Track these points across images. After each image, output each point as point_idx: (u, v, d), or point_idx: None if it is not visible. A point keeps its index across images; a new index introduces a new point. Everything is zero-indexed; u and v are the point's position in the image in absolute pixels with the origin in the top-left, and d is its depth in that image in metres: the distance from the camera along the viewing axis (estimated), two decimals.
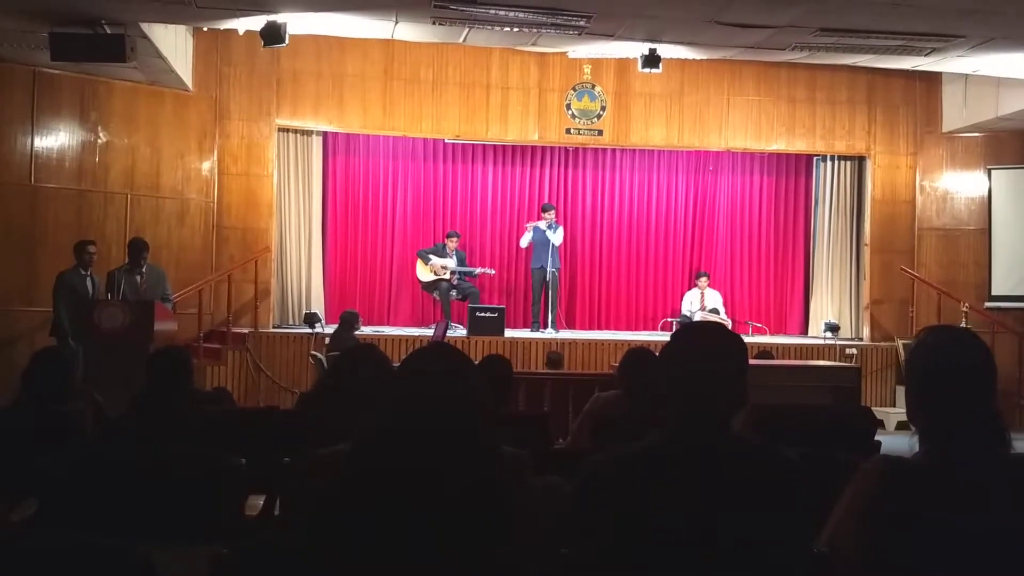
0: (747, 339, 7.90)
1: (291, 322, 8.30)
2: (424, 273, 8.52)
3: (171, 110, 7.83)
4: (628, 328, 9.18)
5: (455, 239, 8.59)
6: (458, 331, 8.12)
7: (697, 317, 8.55)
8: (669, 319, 9.07)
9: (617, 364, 3.36)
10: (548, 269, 8.29)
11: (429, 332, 7.68)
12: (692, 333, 1.60)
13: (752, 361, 1.62)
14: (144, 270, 6.39)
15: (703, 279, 8.93)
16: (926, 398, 1.41)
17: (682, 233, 9.46)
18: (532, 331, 8.41)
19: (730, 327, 8.28)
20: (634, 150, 9.27)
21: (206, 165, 8.03)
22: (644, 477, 1.44)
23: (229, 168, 8.09)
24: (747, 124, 8.73)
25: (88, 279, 6.23)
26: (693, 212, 9.49)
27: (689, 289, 9.13)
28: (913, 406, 1.44)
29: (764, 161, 9.43)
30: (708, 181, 9.49)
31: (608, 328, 9.18)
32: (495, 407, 1.50)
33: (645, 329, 9.17)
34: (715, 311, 8.71)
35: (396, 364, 1.62)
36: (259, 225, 8.13)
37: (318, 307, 8.33)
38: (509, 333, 7.92)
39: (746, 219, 9.50)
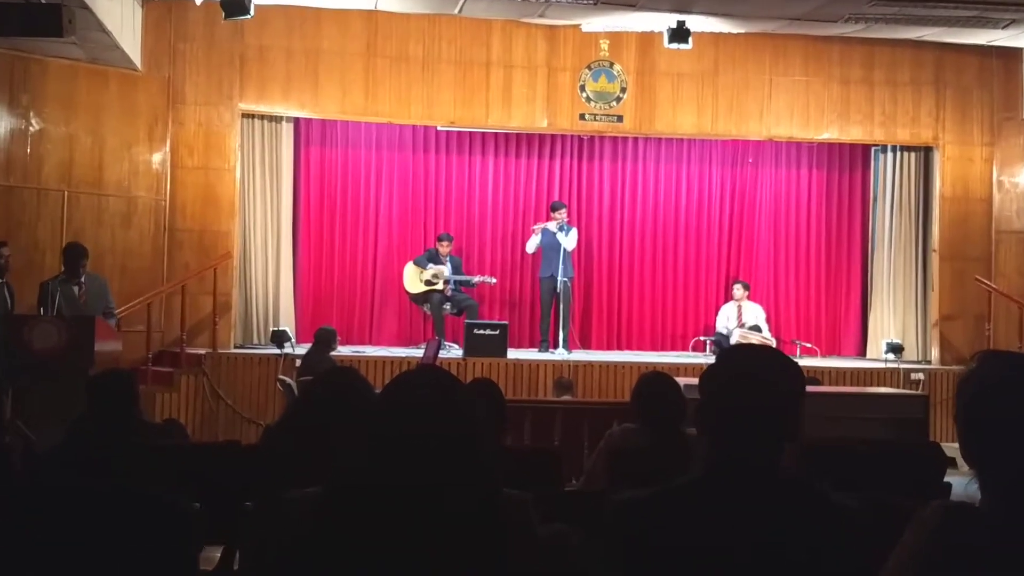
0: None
1: (256, 341, 8.32)
2: (413, 283, 8.54)
3: (116, 93, 7.87)
4: (653, 348, 9.16)
5: (448, 243, 8.61)
6: (453, 351, 8.10)
7: (735, 335, 8.53)
8: (702, 338, 9.04)
9: (633, 392, 3.43)
10: (559, 278, 8.29)
11: (418, 352, 7.68)
12: (738, 355, 1.65)
13: None
14: (83, 280, 6.38)
15: (741, 290, 8.93)
16: (977, 437, 1.38)
17: (716, 236, 9.46)
18: (540, 352, 8.40)
19: (774, 346, 8.43)
20: (660, 139, 9.26)
21: (157, 157, 8.06)
22: (678, 521, 1.47)
23: (184, 161, 8.12)
24: (793, 109, 8.74)
25: (4, 288, 6.11)
26: (730, 212, 9.49)
27: (725, 302, 9.12)
28: (964, 445, 1.42)
29: (813, 152, 9.43)
30: (747, 176, 9.49)
31: (630, 348, 9.17)
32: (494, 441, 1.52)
33: (674, 349, 9.13)
34: (756, 328, 8.69)
35: (379, 391, 1.61)
36: (219, 227, 8.14)
37: (288, 324, 8.34)
38: (513, 354, 7.90)
39: (792, 220, 9.49)
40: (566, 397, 6.72)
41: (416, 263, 8.56)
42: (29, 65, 7.41)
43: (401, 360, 7.58)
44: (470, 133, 9.12)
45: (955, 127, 8.85)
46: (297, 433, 2.49)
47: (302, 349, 7.56)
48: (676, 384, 3.41)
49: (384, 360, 7.68)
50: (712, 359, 1.71)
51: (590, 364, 7.82)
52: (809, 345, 9.10)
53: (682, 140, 9.30)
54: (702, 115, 8.66)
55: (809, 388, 1.58)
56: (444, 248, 8.57)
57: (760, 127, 8.73)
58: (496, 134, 9.15)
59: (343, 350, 7.78)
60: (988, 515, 1.35)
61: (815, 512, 1.46)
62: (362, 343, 8.77)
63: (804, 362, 8.25)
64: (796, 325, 9.39)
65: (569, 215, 8.75)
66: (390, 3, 6.53)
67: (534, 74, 8.48)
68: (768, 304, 9.26)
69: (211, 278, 7.88)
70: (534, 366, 7.72)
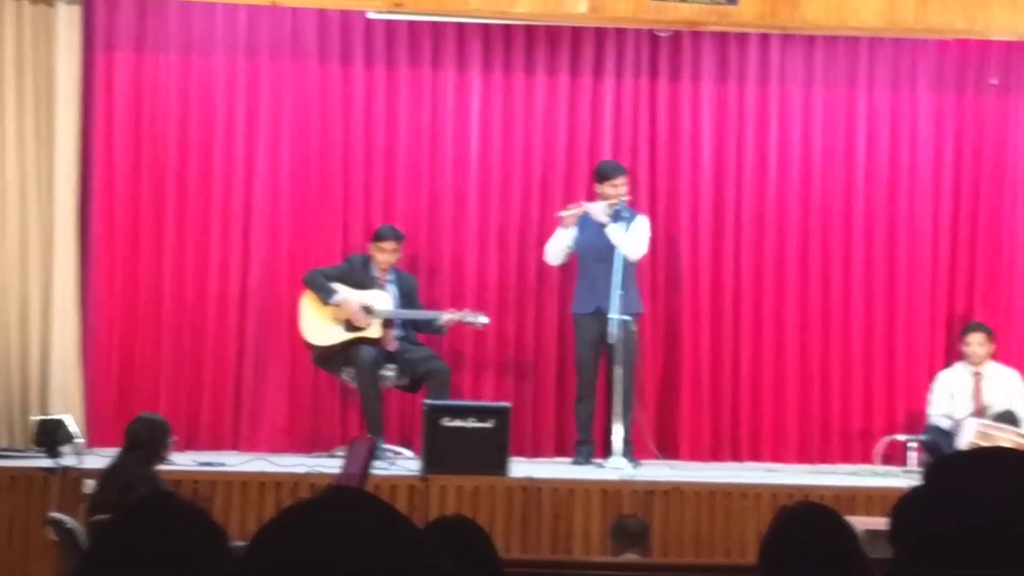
0: None
1: (4, 443, 8.28)
2: (320, 325, 8.55)
3: None
4: (803, 459, 9.22)
5: (393, 244, 8.63)
6: (401, 462, 8.07)
7: (967, 431, 8.48)
8: (901, 437, 9.05)
9: (762, 545, 3.43)
10: (613, 316, 8.26)
11: (331, 464, 7.62)
12: (973, 473, 1.73)
13: None
14: None
15: (981, 343, 8.90)
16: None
17: (929, 234, 9.52)
18: (577, 463, 8.44)
19: None
20: (811, 39, 9.33)
21: None
22: None
23: None
24: None
25: None
26: (953, 184, 9.56)
27: (946, 365, 9.14)
28: None
29: None
30: (987, 112, 9.54)
31: (756, 459, 9.23)
32: None
33: (845, 461, 9.17)
34: (1009, 417, 8.69)
35: (245, 543, 1.62)
36: None
37: (70, 408, 8.36)
38: (522, 468, 7.93)
39: None
40: (631, 555, 6.63)
41: (309, 283, 8.59)
42: None
43: (296, 481, 7.56)
44: (433, 25, 9.15)
45: None
46: None
47: (98, 459, 7.51)
48: (849, 530, 3.37)
49: (260, 481, 7.66)
50: (919, 481, 1.79)
51: (678, 490, 7.79)
52: None
53: (856, 41, 9.35)
54: None
55: None
56: (385, 256, 8.60)
57: (1011, 16, 8.78)
58: (485, 27, 9.18)
59: (181, 460, 7.77)
60: None
61: None
62: (218, 447, 8.79)
63: None
64: None
65: (633, 191, 8.75)
66: None
67: None
68: None
69: None
70: (565, 494, 7.67)
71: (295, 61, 9.19)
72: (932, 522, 1.66)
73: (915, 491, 1.72)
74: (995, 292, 9.50)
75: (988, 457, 1.89)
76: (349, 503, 1.56)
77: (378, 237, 8.65)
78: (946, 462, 1.80)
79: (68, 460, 7.61)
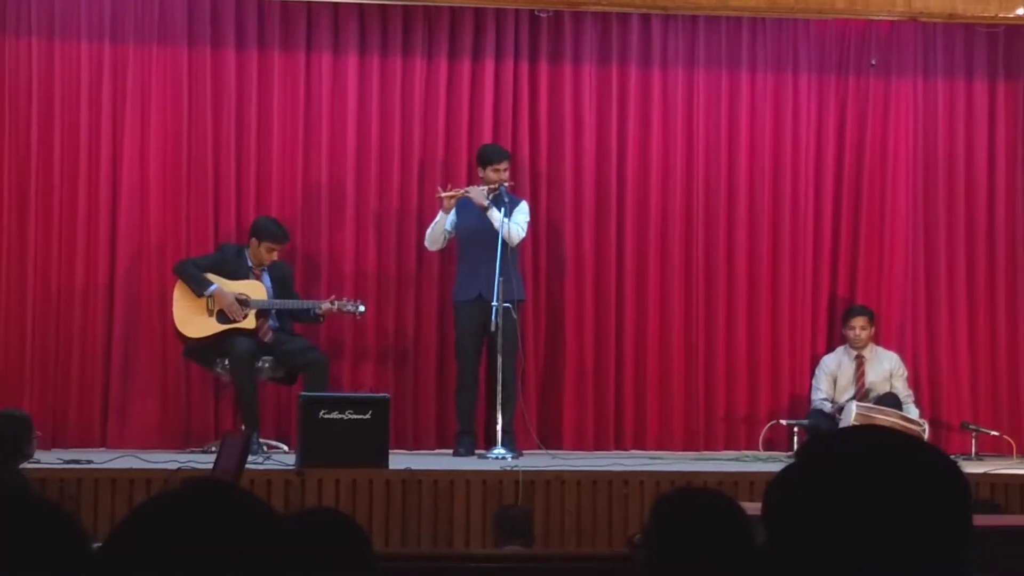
0: (966, 466, 7.83)
1: None
2: (193, 317, 8.50)
3: None
4: (688, 446, 9.32)
5: (273, 241, 8.56)
6: (277, 456, 8.07)
7: (849, 413, 8.60)
8: (784, 421, 9.14)
9: (640, 531, 3.49)
10: (495, 303, 8.28)
11: (205, 460, 7.57)
12: (848, 451, 1.74)
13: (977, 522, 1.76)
14: None
15: (863, 327, 9.03)
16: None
17: (810, 218, 9.62)
18: (458, 455, 8.49)
19: (925, 436, 8.41)
20: (694, 19, 9.38)
21: None
22: None
23: None
24: None
25: None
26: (835, 167, 9.68)
27: (828, 350, 9.26)
28: None
29: (998, 45, 9.58)
30: (868, 94, 9.65)
31: (641, 448, 9.28)
32: None
33: (728, 447, 9.29)
34: (890, 400, 8.81)
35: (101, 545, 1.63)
36: None
37: None
38: (402, 460, 7.94)
39: (959, 185, 9.65)
40: (514, 547, 6.59)
41: (181, 272, 8.51)
42: None
43: (167, 477, 7.40)
44: (307, 6, 9.13)
45: None
46: None
47: None
48: (739, 512, 3.32)
49: (130, 478, 7.52)
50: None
51: (559, 479, 7.77)
52: (996, 433, 9.14)
53: (738, 22, 9.45)
54: None
55: (985, 520, 1.63)
56: (271, 254, 8.53)
57: None
58: (361, 7, 9.17)
59: (46, 459, 7.67)
60: None
61: None
62: (86, 444, 8.72)
63: (979, 468, 8.23)
64: (970, 395, 9.52)
65: (515, 175, 8.78)
66: None
67: None
68: (914, 353, 9.36)
69: None
70: (445, 485, 7.64)
71: (163, 44, 9.10)
72: (804, 500, 1.65)
73: (787, 470, 1.71)
74: (876, 275, 9.63)
75: (860, 434, 1.89)
76: (210, 495, 1.54)
77: (256, 229, 8.58)
78: (818, 441, 1.80)
79: None
